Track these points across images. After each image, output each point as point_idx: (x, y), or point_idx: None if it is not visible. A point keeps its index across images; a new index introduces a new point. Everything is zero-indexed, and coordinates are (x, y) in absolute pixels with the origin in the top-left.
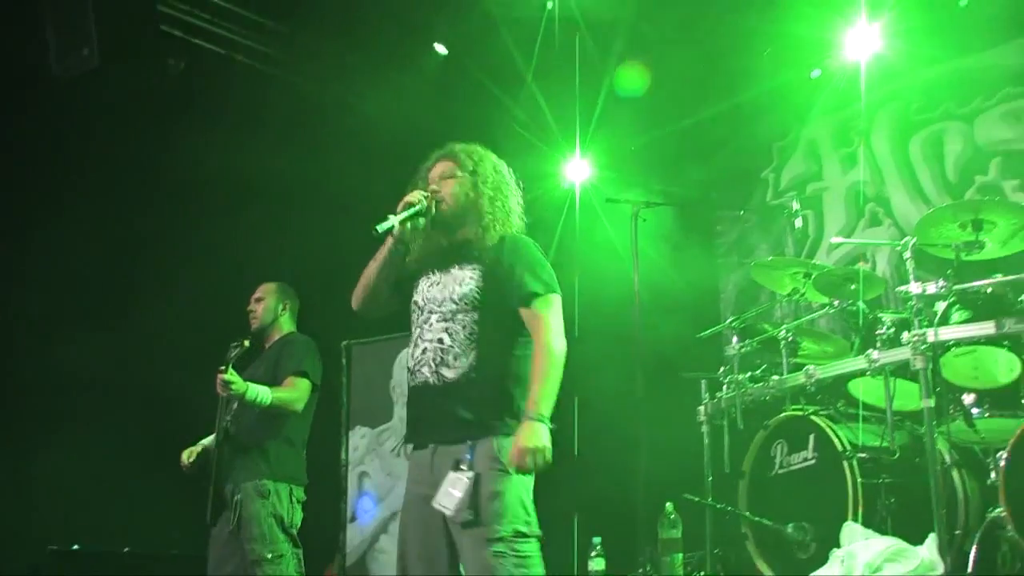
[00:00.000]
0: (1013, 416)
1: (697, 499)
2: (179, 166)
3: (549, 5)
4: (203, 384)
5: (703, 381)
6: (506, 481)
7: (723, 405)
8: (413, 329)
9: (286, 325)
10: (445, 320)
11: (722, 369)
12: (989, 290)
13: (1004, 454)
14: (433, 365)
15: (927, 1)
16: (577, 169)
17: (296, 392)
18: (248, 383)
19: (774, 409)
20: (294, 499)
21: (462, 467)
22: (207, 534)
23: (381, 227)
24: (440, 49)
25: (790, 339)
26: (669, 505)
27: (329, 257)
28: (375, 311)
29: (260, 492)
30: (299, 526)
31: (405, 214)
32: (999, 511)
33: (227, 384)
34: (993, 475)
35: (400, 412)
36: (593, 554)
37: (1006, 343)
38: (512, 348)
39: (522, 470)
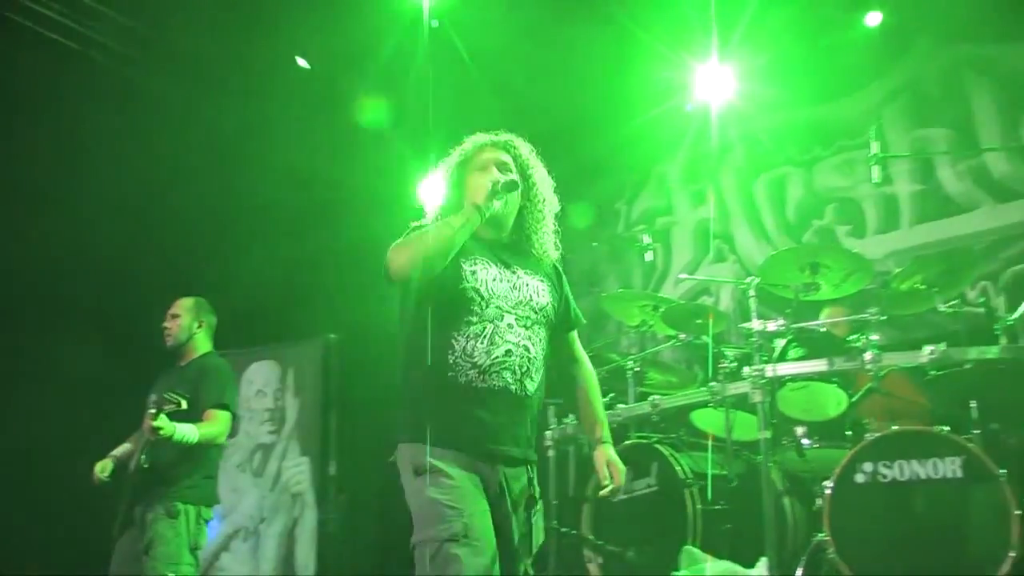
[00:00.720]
0: (838, 447)
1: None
2: (20, 162)
3: (435, 24)
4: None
5: (551, 407)
6: None
7: (570, 431)
8: (469, 318)
9: (202, 344)
10: (526, 327)
11: None
12: (823, 329)
13: (829, 483)
14: (519, 372)
15: (781, 49)
16: (432, 191)
17: (219, 426)
18: (175, 424)
19: (619, 436)
20: (201, 519)
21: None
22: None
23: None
24: (302, 63)
25: (637, 369)
26: None
27: (174, 268)
28: (415, 277)
29: (170, 512)
30: (203, 547)
31: (509, 182)
32: (823, 535)
33: (157, 430)
34: (819, 502)
35: (248, 428)
36: None
37: (835, 380)
38: None
39: (617, 492)
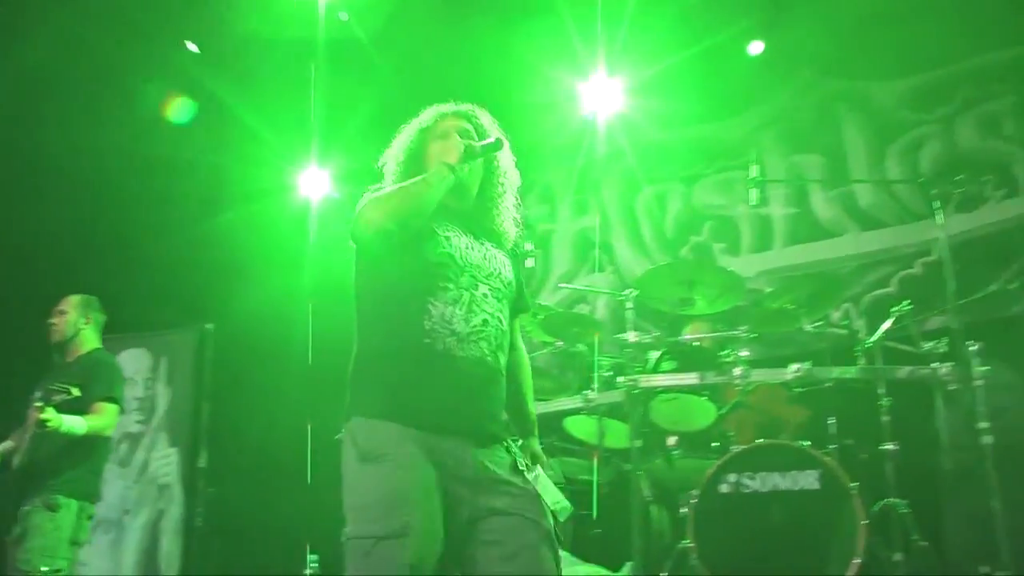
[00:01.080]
0: (705, 458)
1: None
2: None
3: (343, 16)
4: None
5: None
6: None
7: None
8: (445, 284)
9: (90, 340)
10: (498, 299)
11: None
12: (696, 343)
13: (695, 492)
14: (494, 343)
15: (670, 68)
16: (314, 182)
17: (107, 418)
18: (62, 416)
19: None
20: (83, 515)
21: (527, 464)
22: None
23: (482, 144)
24: (191, 47)
25: None
26: None
27: (49, 255)
28: (393, 234)
29: (49, 505)
30: (83, 542)
31: (489, 144)
32: (687, 543)
33: (44, 422)
34: (684, 510)
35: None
36: (308, 573)
37: (706, 393)
38: None
39: None
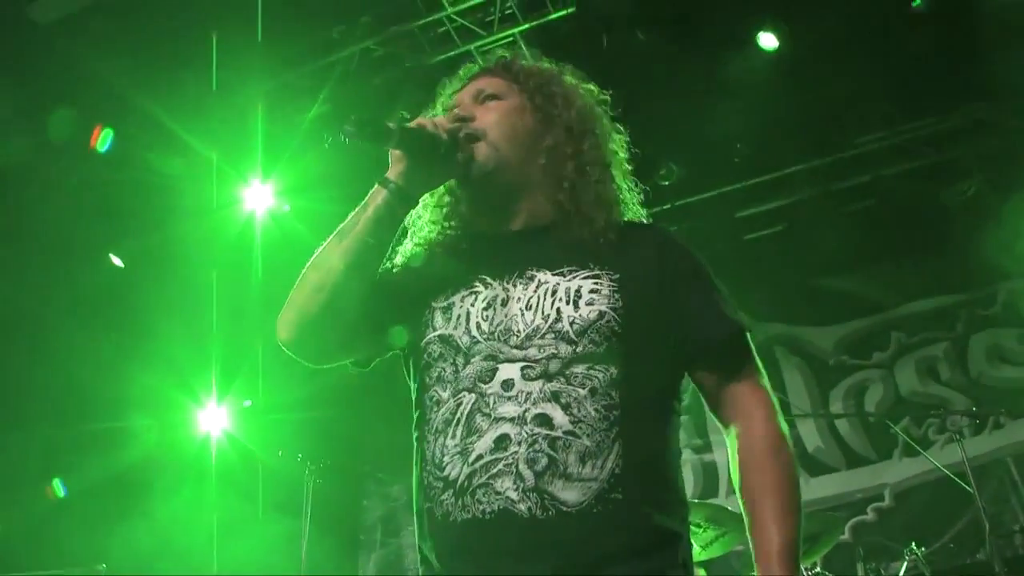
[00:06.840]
0: None
1: None
2: None
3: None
4: None
5: None
6: None
7: None
8: (437, 393)
9: None
10: (547, 378)
11: None
12: None
13: None
14: (530, 476)
15: None
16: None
17: None
18: None
19: None
20: None
21: None
22: None
23: (348, 129)
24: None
25: None
26: None
27: None
28: (328, 342)
29: None
30: None
31: (403, 135)
32: None
33: None
34: None
35: None
36: None
37: None
38: (665, 433)
39: None
